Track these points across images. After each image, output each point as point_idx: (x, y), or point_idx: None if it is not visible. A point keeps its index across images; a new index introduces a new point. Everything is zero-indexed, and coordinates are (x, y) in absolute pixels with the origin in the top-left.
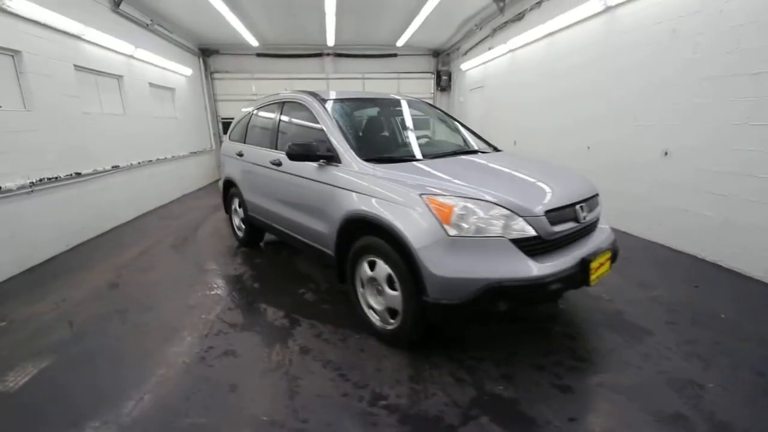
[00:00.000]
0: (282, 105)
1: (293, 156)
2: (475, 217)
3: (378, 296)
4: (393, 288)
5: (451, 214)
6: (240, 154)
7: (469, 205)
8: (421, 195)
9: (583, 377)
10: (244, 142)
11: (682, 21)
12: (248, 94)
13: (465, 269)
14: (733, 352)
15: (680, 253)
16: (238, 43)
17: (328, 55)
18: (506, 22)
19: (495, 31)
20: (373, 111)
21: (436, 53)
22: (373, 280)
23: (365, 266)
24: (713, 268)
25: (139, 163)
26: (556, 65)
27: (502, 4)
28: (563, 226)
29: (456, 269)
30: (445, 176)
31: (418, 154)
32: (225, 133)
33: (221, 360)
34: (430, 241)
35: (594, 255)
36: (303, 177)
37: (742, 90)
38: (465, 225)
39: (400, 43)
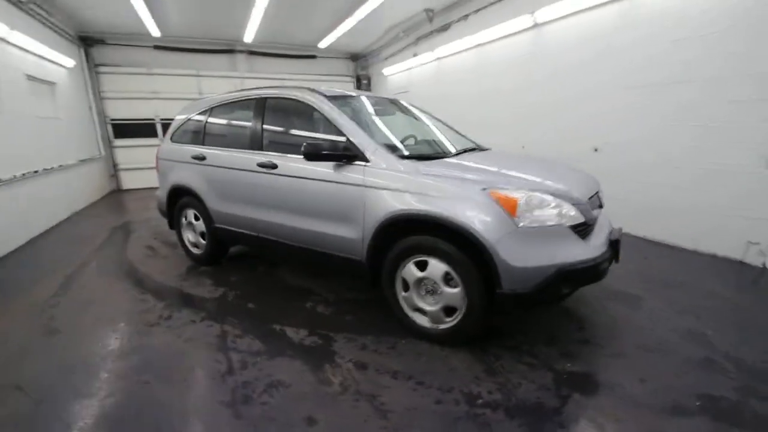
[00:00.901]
0: (263, 102)
1: (311, 156)
2: (537, 207)
3: (429, 296)
4: (450, 285)
5: (517, 206)
6: (200, 158)
7: (531, 196)
8: (483, 189)
9: (622, 343)
10: (203, 144)
11: (608, 38)
12: (146, 91)
13: (536, 257)
14: (706, 304)
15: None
16: (132, 32)
17: (241, 52)
18: (432, 32)
19: (419, 39)
20: (376, 109)
21: (355, 57)
22: (421, 281)
23: (412, 268)
24: (646, 243)
25: (23, 174)
26: (484, 73)
27: (431, 13)
28: (596, 211)
29: (529, 258)
30: (485, 171)
31: (439, 151)
32: (116, 136)
33: (273, 394)
34: (503, 233)
35: (616, 235)
36: (314, 179)
37: (665, 97)
38: (530, 216)
39: (323, 44)
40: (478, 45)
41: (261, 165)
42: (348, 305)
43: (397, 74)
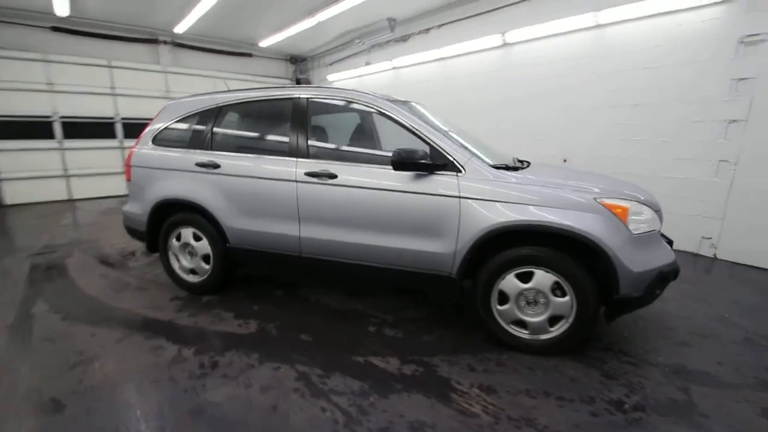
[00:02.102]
0: (304, 103)
1: (399, 165)
2: (640, 214)
3: (530, 308)
4: (556, 295)
5: (627, 215)
6: (210, 166)
7: (635, 205)
8: (595, 199)
9: (678, 333)
10: (210, 150)
11: (576, 62)
12: (40, 83)
13: (646, 262)
14: (704, 292)
15: None
16: (23, 7)
17: (165, 43)
18: (389, 41)
19: (373, 47)
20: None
21: (295, 59)
22: (522, 293)
23: (513, 280)
24: None
25: None
26: (449, 86)
27: (393, 23)
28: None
29: (642, 263)
30: (572, 182)
31: (510, 163)
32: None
33: None
34: (622, 241)
35: (667, 237)
36: (392, 191)
37: (622, 116)
38: (637, 223)
39: (264, 44)
40: (443, 58)
41: (311, 175)
42: (414, 325)
43: (344, 81)
